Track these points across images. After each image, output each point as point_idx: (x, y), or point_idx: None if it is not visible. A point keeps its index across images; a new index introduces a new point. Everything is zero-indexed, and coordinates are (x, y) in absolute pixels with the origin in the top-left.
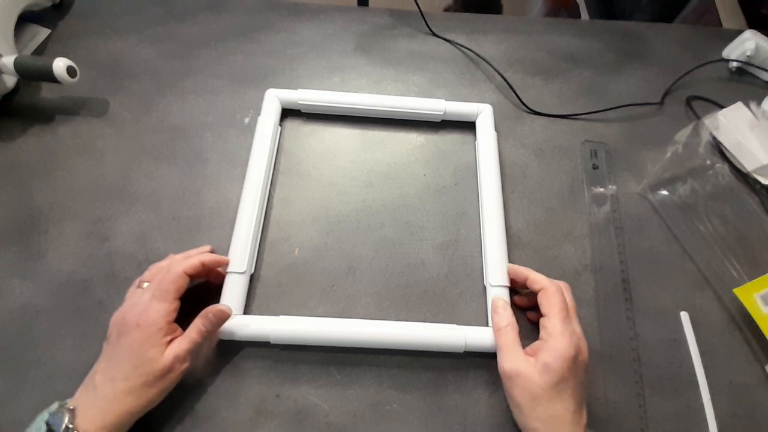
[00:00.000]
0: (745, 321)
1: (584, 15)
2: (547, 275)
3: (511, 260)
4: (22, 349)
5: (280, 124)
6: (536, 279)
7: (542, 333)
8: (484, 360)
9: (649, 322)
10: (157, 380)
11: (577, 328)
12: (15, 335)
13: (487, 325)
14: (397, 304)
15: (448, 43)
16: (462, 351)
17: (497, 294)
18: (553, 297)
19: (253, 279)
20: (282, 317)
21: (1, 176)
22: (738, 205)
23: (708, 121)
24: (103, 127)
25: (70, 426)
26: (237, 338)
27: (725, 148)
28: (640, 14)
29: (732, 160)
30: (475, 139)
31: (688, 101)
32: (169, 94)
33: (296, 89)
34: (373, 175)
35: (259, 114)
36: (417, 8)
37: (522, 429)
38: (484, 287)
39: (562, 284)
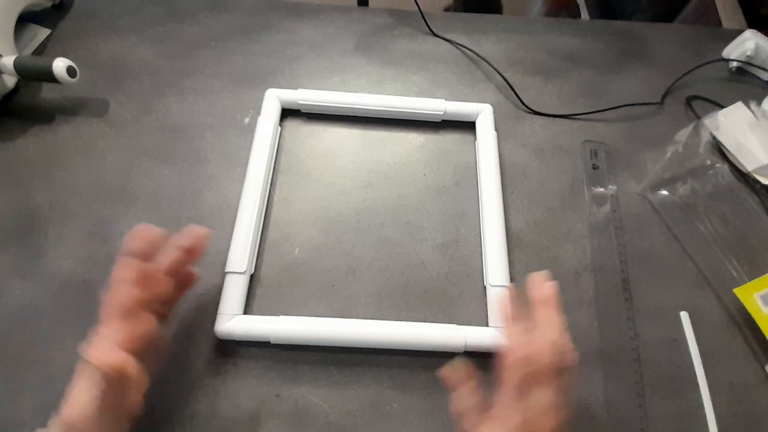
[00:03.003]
0: (745, 321)
1: (584, 15)
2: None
3: (511, 260)
4: (22, 349)
5: (280, 124)
6: (508, 337)
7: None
8: (484, 360)
9: (649, 322)
10: None
11: (541, 400)
12: (15, 335)
13: (487, 325)
14: (397, 304)
15: (448, 43)
16: (462, 351)
17: (498, 292)
18: (507, 371)
19: (253, 279)
20: (282, 317)
21: (1, 176)
22: (738, 205)
23: (708, 121)
24: (103, 127)
25: None
26: (237, 338)
27: (725, 148)
28: (640, 14)
29: (732, 160)
30: (475, 139)
31: (688, 101)
32: (169, 94)
33: (296, 89)
34: (373, 175)
35: (259, 114)
36: (417, 8)
37: None
38: (484, 287)
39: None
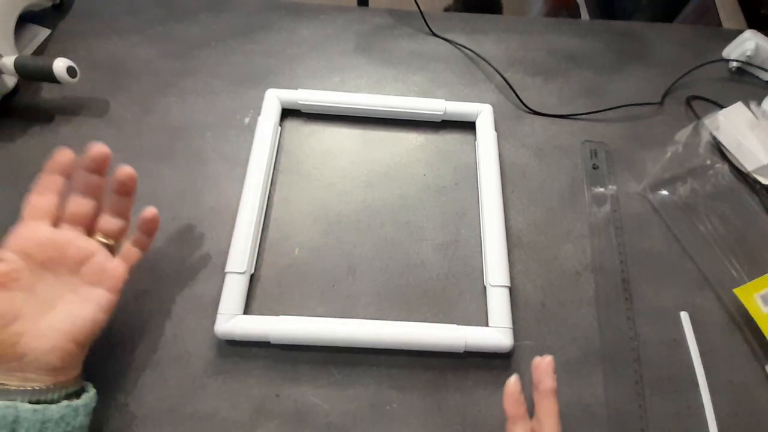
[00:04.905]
0: (745, 321)
1: (584, 15)
2: (547, 275)
3: (511, 260)
4: None
5: (280, 124)
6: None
7: None
8: (484, 360)
9: (649, 322)
10: None
11: None
12: None
13: (487, 325)
14: (397, 304)
15: (448, 43)
16: (462, 351)
17: (498, 292)
18: None
19: (253, 279)
20: (282, 317)
21: (1, 176)
22: (738, 205)
23: (708, 121)
24: (103, 127)
25: None
26: (237, 338)
27: (725, 148)
28: (640, 14)
29: (732, 160)
30: (475, 139)
31: (688, 101)
32: (169, 94)
33: (296, 89)
34: (373, 175)
35: (259, 114)
36: (417, 8)
37: None
38: (484, 287)
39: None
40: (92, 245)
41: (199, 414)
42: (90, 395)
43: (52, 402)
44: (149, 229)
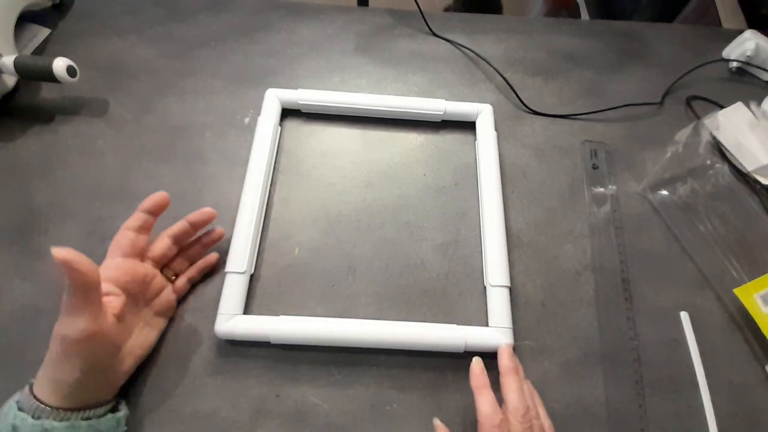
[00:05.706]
0: (745, 321)
1: (584, 15)
2: (547, 275)
3: (511, 260)
4: (23, 349)
5: (280, 124)
6: (481, 406)
7: None
8: (485, 360)
9: (649, 322)
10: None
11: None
12: (15, 335)
13: (487, 325)
14: (397, 304)
15: (448, 43)
16: (462, 351)
17: (498, 292)
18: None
19: (253, 279)
20: (282, 317)
21: (1, 176)
22: (738, 205)
23: (708, 121)
24: (103, 127)
25: (33, 397)
26: (237, 338)
27: (725, 148)
28: (640, 14)
29: (732, 160)
30: (475, 139)
31: (688, 101)
32: (169, 94)
33: (296, 89)
34: (373, 175)
35: (259, 114)
36: (417, 8)
37: None
38: (484, 287)
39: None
40: (164, 281)
41: (199, 414)
42: (124, 406)
43: (100, 416)
44: (207, 271)
